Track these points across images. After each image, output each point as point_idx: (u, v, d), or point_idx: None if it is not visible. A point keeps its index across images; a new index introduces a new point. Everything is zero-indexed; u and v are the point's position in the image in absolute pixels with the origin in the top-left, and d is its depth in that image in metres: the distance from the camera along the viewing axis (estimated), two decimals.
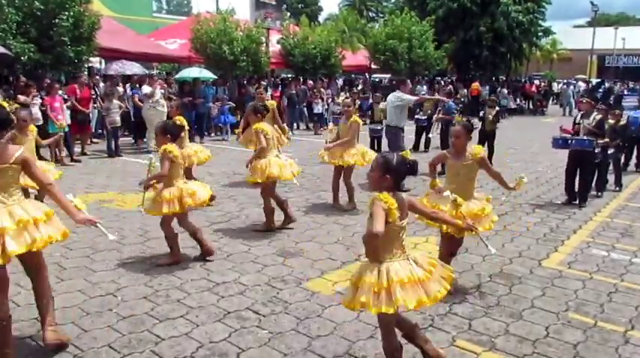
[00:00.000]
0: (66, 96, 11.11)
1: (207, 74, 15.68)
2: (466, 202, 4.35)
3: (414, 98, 9.27)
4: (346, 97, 8.35)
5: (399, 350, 3.20)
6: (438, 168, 5.38)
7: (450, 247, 4.58)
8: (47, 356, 3.45)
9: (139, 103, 12.34)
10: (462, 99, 18.68)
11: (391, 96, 8.86)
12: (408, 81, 10.14)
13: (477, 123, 9.86)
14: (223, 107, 14.69)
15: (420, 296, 3.00)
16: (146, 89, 12.02)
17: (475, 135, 6.30)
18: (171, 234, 5.13)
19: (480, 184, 7.80)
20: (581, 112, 7.90)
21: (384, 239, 2.95)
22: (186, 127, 7.29)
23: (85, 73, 12.69)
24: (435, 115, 10.68)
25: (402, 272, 3.02)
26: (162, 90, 12.97)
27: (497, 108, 10.82)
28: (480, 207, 4.46)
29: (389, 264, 3.05)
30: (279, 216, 6.27)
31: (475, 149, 4.55)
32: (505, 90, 25.14)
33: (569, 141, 7.60)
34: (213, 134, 15.09)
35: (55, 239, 3.40)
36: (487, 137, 10.50)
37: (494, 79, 28.08)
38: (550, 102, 29.14)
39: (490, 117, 10.43)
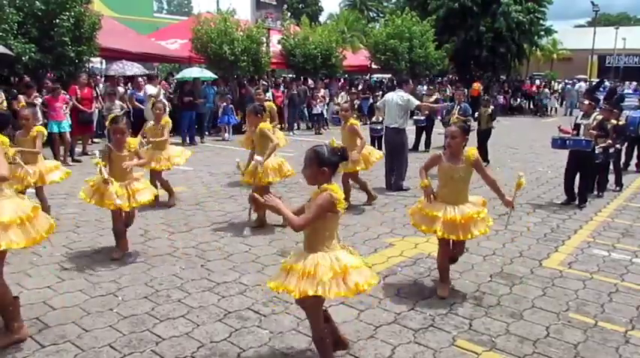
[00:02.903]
0: (68, 97, 11.12)
1: (207, 74, 15.70)
2: (460, 206, 4.31)
3: (417, 103, 8.95)
4: (345, 102, 8.18)
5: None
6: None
7: (447, 252, 4.52)
8: (47, 356, 3.45)
9: (137, 104, 12.34)
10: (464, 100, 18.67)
11: (393, 96, 8.62)
12: (410, 81, 9.94)
13: (473, 124, 9.88)
14: (227, 107, 14.69)
15: (366, 279, 3.16)
16: (151, 90, 12.04)
17: (473, 135, 6.29)
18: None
19: (479, 184, 7.83)
20: (582, 113, 7.92)
21: (329, 228, 3.11)
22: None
23: (84, 73, 12.66)
24: (453, 111, 10.46)
25: (351, 258, 3.15)
26: (164, 91, 13.04)
27: (491, 107, 10.83)
28: (474, 210, 4.35)
29: (334, 251, 3.15)
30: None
31: (469, 151, 4.36)
32: (547, 91, 25.32)
33: (567, 141, 7.60)
34: (214, 134, 15.11)
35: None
36: (482, 136, 10.50)
37: (494, 79, 28.07)
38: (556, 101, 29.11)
39: (485, 116, 10.44)
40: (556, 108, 26.14)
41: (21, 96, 10.31)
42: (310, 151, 3.15)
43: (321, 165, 3.08)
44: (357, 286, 3.07)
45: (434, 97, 13.39)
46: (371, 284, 3.18)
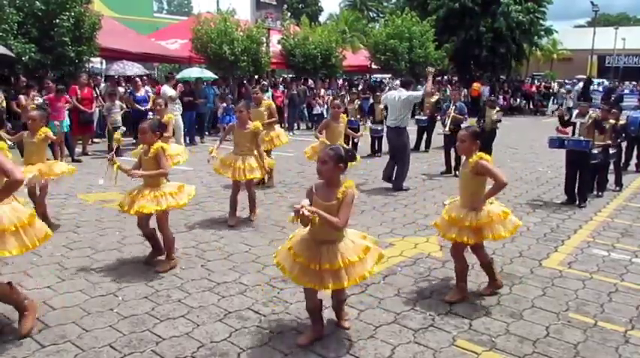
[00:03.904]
0: (67, 97, 11.14)
1: (208, 74, 15.70)
2: (462, 208, 4.24)
3: (420, 93, 8.86)
4: (334, 98, 8.16)
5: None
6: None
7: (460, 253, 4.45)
8: (48, 356, 3.46)
9: (136, 105, 12.36)
10: (462, 100, 18.69)
11: (395, 94, 8.60)
12: (413, 83, 9.89)
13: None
14: (228, 107, 14.69)
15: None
16: (170, 91, 12.11)
17: None
18: (172, 235, 5.08)
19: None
20: (577, 112, 8.01)
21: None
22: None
23: (84, 73, 12.69)
24: (448, 111, 10.48)
25: (360, 238, 3.65)
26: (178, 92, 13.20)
27: (497, 108, 10.79)
28: (462, 215, 4.20)
29: (350, 236, 3.59)
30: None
31: (475, 156, 4.26)
32: (563, 90, 25.54)
33: (566, 141, 7.61)
34: (214, 134, 15.10)
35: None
36: (486, 137, 10.49)
37: (495, 79, 28.07)
38: (551, 102, 29.14)
39: (493, 117, 10.41)
40: (569, 108, 26.22)
41: (21, 97, 10.31)
42: (328, 150, 3.51)
43: (338, 163, 3.45)
44: (380, 257, 3.67)
45: (435, 98, 13.39)
46: (382, 255, 3.72)
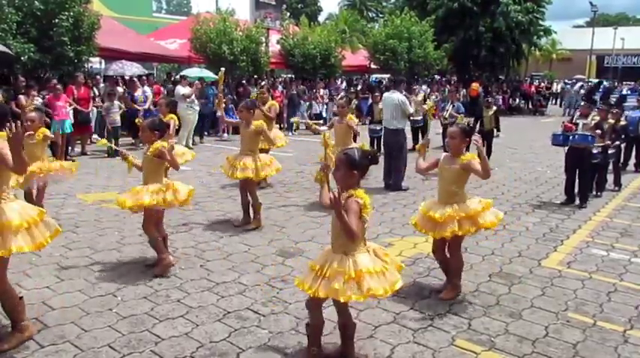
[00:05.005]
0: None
1: (207, 74, 15.70)
2: (447, 206, 4.24)
3: (411, 110, 8.94)
4: (340, 97, 8.35)
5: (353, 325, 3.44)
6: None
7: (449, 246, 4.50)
8: (47, 356, 3.45)
9: (134, 105, 12.35)
10: (461, 100, 18.74)
11: (392, 97, 8.65)
12: (404, 82, 9.97)
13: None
14: (228, 107, 14.65)
15: (383, 285, 3.16)
16: (184, 90, 12.10)
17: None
18: (155, 236, 4.93)
19: (479, 184, 7.83)
20: (579, 113, 8.02)
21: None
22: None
23: (81, 73, 12.68)
24: (447, 107, 10.66)
25: (370, 263, 3.16)
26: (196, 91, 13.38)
27: (494, 108, 10.83)
28: (455, 211, 4.20)
29: (356, 254, 3.16)
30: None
31: (466, 155, 4.22)
32: (577, 88, 25.65)
33: (571, 137, 7.52)
34: (213, 134, 15.10)
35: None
36: (485, 137, 10.53)
37: (492, 79, 28.07)
38: (550, 102, 29.18)
39: (488, 117, 10.47)
40: (525, 108, 26.30)
41: (21, 97, 10.30)
42: (342, 154, 3.21)
43: (351, 169, 3.14)
44: (370, 291, 3.10)
45: (420, 96, 13.43)
46: (387, 290, 3.17)
